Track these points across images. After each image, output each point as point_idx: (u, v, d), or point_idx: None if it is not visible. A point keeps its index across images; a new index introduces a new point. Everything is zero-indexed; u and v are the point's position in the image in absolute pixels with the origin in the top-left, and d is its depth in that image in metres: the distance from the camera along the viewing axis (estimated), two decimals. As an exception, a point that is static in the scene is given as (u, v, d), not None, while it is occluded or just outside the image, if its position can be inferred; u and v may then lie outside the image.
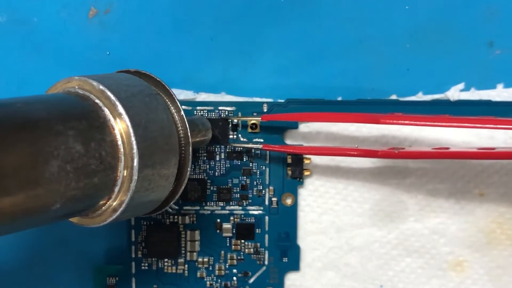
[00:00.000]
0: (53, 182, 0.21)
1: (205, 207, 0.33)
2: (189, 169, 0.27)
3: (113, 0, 0.33)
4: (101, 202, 0.24)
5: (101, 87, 0.24)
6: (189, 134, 0.27)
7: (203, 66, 0.34)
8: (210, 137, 0.32)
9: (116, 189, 0.24)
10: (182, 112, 0.27)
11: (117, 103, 0.24)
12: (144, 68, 0.28)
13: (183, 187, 0.27)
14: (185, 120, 0.27)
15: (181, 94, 0.33)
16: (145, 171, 0.24)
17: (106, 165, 0.23)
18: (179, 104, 0.28)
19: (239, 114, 0.33)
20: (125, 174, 0.24)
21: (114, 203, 0.24)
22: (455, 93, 0.33)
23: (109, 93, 0.24)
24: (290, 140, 0.33)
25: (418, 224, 0.33)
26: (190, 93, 0.33)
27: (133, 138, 0.23)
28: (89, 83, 0.24)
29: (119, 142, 0.24)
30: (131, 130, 0.23)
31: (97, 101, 0.24)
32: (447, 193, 0.33)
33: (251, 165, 0.33)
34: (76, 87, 0.24)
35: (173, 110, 0.28)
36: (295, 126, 0.33)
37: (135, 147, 0.23)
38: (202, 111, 0.33)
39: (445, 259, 0.33)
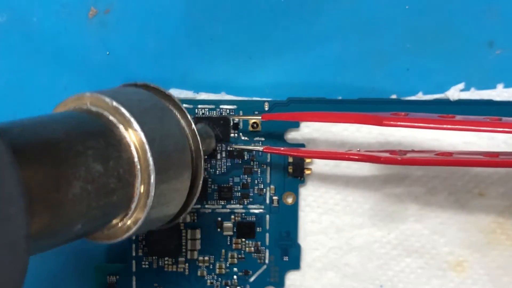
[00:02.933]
0: (76, 203, 0.21)
1: (206, 206, 0.33)
2: (201, 182, 0.27)
3: (113, 0, 0.33)
4: (117, 219, 0.24)
5: (114, 103, 0.23)
6: (200, 147, 0.27)
7: (203, 66, 0.34)
8: (213, 146, 0.32)
9: (133, 206, 0.24)
10: (193, 126, 0.27)
11: (132, 119, 0.23)
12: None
13: (194, 200, 0.27)
14: (197, 133, 0.27)
15: (181, 94, 0.33)
16: (161, 186, 0.24)
17: (124, 182, 0.23)
18: (189, 118, 0.27)
19: (240, 112, 0.33)
20: (142, 191, 0.23)
21: (130, 220, 0.24)
22: (455, 93, 0.33)
23: (123, 110, 0.23)
24: (291, 139, 0.33)
25: (418, 224, 0.33)
26: (190, 93, 0.33)
27: (149, 154, 0.23)
28: (102, 100, 0.24)
29: (135, 159, 0.23)
30: (146, 146, 0.23)
31: (111, 118, 0.24)
32: (447, 193, 0.33)
33: (252, 164, 0.33)
34: (88, 103, 0.24)
35: (184, 124, 0.27)
36: (296, 125, 0.33)
37: (151, 163, 0.23)
38: (203, 110, 0.33)
39: (445, 259, 0.33)
